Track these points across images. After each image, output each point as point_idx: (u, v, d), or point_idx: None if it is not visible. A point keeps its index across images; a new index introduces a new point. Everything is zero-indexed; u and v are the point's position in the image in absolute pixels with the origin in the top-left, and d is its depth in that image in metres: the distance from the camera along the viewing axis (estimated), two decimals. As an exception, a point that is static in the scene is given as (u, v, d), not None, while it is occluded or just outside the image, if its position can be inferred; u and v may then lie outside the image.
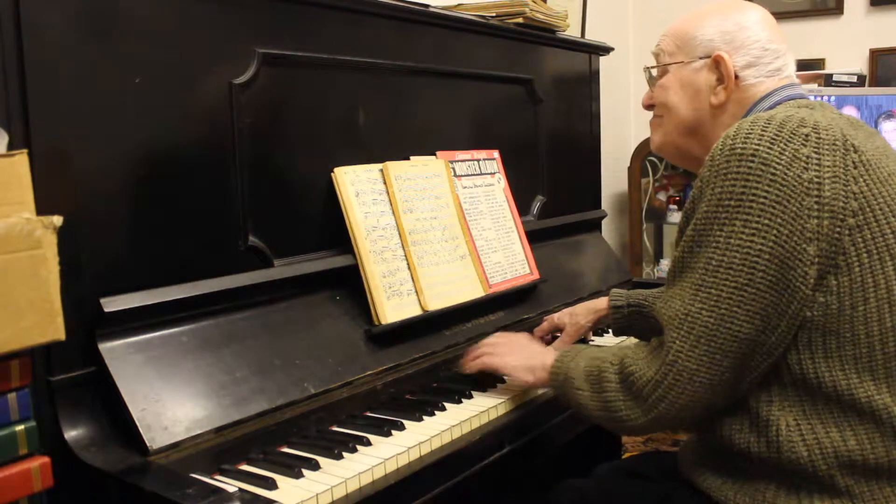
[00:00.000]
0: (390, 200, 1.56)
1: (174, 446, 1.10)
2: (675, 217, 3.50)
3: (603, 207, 2.46)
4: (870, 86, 3.25)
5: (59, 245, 0.89)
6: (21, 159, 0.88)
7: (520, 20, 1.95)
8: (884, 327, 1.04)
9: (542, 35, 2.06)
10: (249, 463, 1.16)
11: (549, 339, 1.71)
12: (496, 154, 1.89)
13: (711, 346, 1.04)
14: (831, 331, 1.03)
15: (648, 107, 1.36)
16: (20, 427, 0.91)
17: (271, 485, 1.06)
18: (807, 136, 1.03)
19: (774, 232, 1.01)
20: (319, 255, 1.46)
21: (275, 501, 1.00)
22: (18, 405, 0.91)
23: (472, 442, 1.27)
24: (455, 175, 1.75)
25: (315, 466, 1.11)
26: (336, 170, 1.48)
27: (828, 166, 1.02)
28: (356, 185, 1.51)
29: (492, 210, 1.82)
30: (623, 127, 3.76)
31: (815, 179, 1.01)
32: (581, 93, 2.30)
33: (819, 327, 1.04)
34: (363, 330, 1.44)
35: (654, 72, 1.33)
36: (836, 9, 3.41)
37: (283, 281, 1.37)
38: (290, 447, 1.22)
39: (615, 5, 3.70)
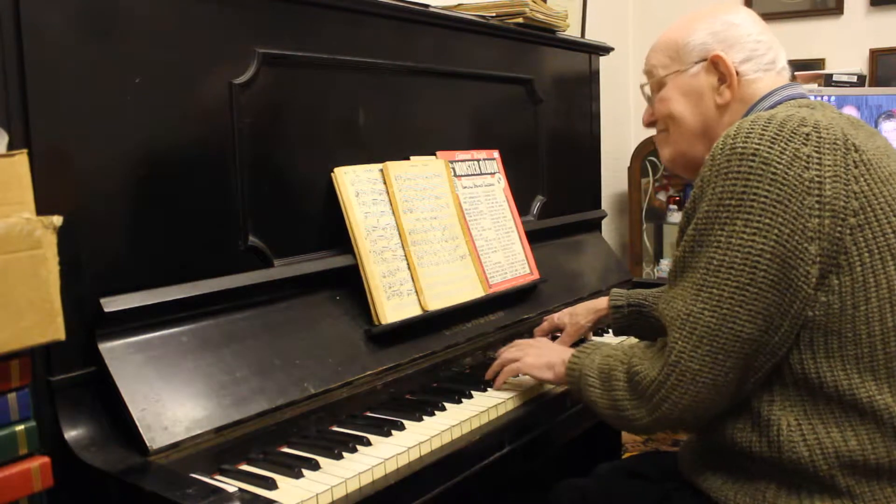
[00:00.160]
0: (390, 200, 1.56)
1: (174, 446, 1.10)
2: (675, 217, 3.51)
3: (603, 207, 2.46)
4: (870, 86, 3.25)
5: (59, 245, 0.89)
6: (21, 159, 0.88)
7: (520, 20, 1.95)
8: (885, 327, 1.03)
9: (542, 35, 2.06)
10: (249, 463, 1.16)
11: (550, 339, 1.71)
12: (496, 154, 1.89)
13: (714, 347, 1.04)
14: (833, 330, 1.03)
15: (650, 124, 1.35)
16: (20, 427, 0.91)
17: (271, 485, 1.06)
18: (807, 135, 1.03)
19: (776, 231, 1.01)
20: (319, 255, 1.46)
21: (275, 501, 1.00)
22: (18, 405, 0.91)
23: (472, 442, 1.27)
24: (455, 175, 1.75)
25: (315, 466, 1.11)
26: (336, 170, 1.48)
27: (829, 165, 1.02)
28: (356, 185, 1.51)
29: (492, 210, 1.82)
30: (623, 127, 3.76)
31: (816, 179, 1.01)
32: (581, 93, 2.30)
33: (821, 327, 1.04)
34: (363, 330, 1.44)
35: (650, 88, 1.33)
36: (836, 9, 3.41)
37: (283, 281, 1.37)
38: (290, 447, 1.22)
39: (615, 5, 3.70)
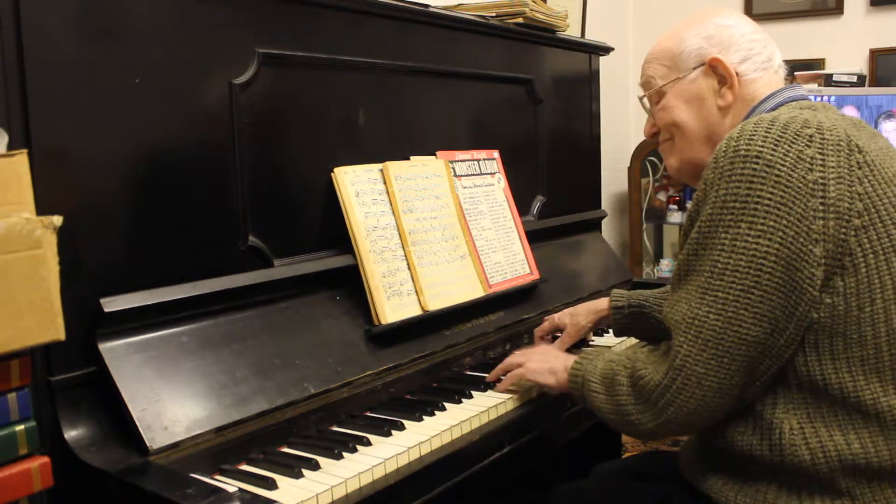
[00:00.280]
0: (390, 200, 1.56)
1: (174, 446, 1.10)
2: (675, 217, 3.51)
3: (603, 207, 2.46)
4: (870, 86, 3.26)
5: (59, 245, 0.89)
6: (21, 159, 0.88)
7: (520, 20, 1.95)
8: (891, 328, 1.03)
9: (542, 35, 2.06)
10: (249, 463, 1.16)
11: (550, 339, 1.71)
12: (496, 154, 1.89)
13: (719, 350, 1.03)
14: (838, 332, 1.03)
15: (653, 135, 1.35)
16: (20, 427, 0.91)
17: (271, 485, 1.06)
18: (811, 136, 1.03)
19: (780, 234, 1.00)
20: (319, 255, 1.46)
21: (275, 501, 1.00)
22: (18, 405, 0.91)
23: (472, 442, 1.27)
24: (455, 175, 1.75)
25: (315, 466, 1.11)
26: (336, 170, 1.48)
27: (832, 167, 1.02)
28: (356, 185, 1.51)
29: (492, 210, 1.82)
30: (623, 127, 3.76)
31: (820, 180, 1.01)
32: (581, 93, 2.30)
33: (826, 329, 1.03)
34: (363, 330, 1.44)
35: (649, 100, 1.33)
36: (836, 9, 3.41)
37: (283, 281, 1.37)
38: (290, 447, 1.22)
39: (615, 5, 3.70)
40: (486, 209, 1.80)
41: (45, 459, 0.93)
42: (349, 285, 1.46)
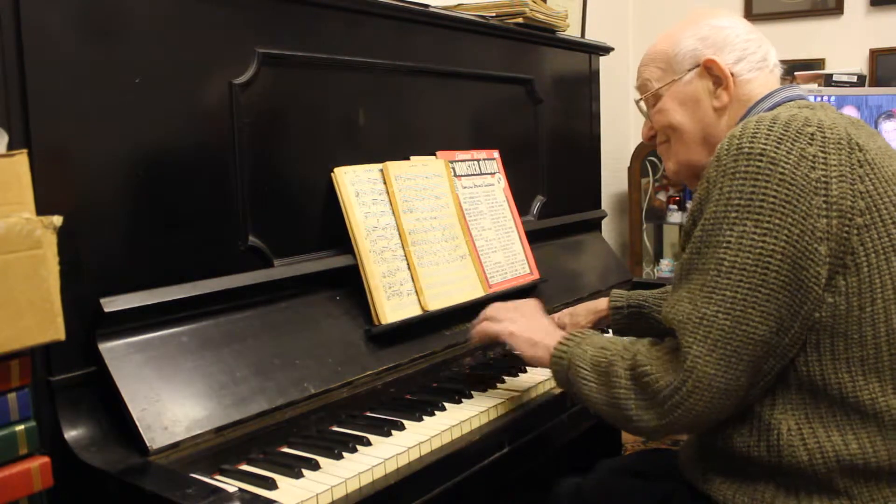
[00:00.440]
0: (390, 200, 1.56)
1: (174, 446, 1.10)
2: (675, 217, 3.51)
3: (603, 207, 2.46)
4: (870, 86, 3.26)
5: (59, 245, 0.89)
6: (21, 159, 0.88)
7: (520, 20, 1.95)
8: (891, 328, 1.03)
9: (542, 35, 2.06)
10: (249, 463, 1.16)
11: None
12: (496, 154, 1.89)
13: (728, 350, 1.02)
14: (839, 332, 1.03)
15: (651, 138, 1.35)
16: (20, 427, 0.91)
17: (271, 485, 1.06)
18: (812, 135, 1.03)
19: (786, 232, 1.00)
20: (319, 255, 1.46)
21: (275, 501, 1.00)
22: (18, 405, 0.91)
23: (472, 442, 1.26)
24: (455, 175, 1.75)
25: (315, 466, 1.11)
26: (336, 170, 1.48)
27: (834, 165, 1.02)
28: (356, 185, 1.51)
29: (492, 210, 1.82)
30: (623, 127, 3.76)
31: (823, 179, 1.01)
32: (581, 93, 2.30)
33: (827, 329, 1.03)
34: (363, 330, 1.44)
35: (646, 103, 1.33)
36: (836, 9, 3.41)
37: (283, 281, 1.37)
38: (290, 447, 1.22)
39: (615, 5, 3.70)
40: (486, 209, 1.80)
41: (45, 459, 0.93)
42: (349, 285, 1.46)
